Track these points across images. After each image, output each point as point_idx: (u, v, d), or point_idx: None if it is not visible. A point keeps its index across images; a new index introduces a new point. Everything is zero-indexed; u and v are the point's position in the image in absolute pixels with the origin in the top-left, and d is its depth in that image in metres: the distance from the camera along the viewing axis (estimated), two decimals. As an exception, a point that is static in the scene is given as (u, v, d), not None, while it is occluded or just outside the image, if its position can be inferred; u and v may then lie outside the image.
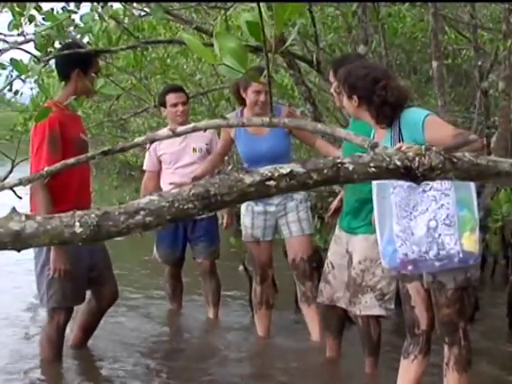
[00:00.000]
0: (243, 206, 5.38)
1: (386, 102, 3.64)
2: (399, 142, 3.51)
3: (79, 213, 1.46)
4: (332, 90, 4.45)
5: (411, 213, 3.45)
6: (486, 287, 6.86)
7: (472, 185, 3.46)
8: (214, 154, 5.52)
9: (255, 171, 1.55)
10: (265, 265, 5.33)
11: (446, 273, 3.55)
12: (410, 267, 3.52)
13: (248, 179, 1.53)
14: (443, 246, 3.42)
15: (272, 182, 1.55)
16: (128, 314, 6.19)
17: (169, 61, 8.01)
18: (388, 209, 3.51)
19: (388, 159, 1.61)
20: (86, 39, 5.76)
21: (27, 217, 1.44)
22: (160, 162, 5.96)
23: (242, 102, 5.14)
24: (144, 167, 6.16)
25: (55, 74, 5.06)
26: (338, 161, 1.59)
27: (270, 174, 1.55)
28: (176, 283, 6.27)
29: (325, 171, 1.57)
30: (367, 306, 4.37)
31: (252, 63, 6.87)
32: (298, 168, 1.56)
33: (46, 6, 4.87)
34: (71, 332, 5.06)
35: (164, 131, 2.01)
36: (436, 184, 3.39)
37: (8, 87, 6.33)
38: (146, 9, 4.76)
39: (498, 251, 6.48)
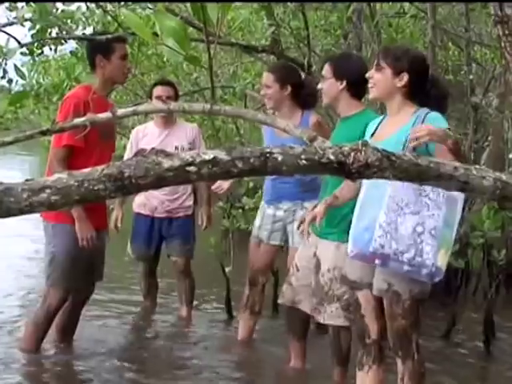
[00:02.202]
0: (260, 207, 5.29)
1: (435, 95, 3.57)
2: None
3: (-21, 186, 1.35)
4: (320, 86, 4.34)
5: (402, 209, 3.32)
6: (468, 304, 6.74)
7: (459, 205, 3.36)
8: None
9: (176, 155, 1.45)
10: (258, 270, 5.17)
11: (403, 283, 3.44)
12: (377, 261, 3.37)
13: (167, 163, 1.43)
14: (421, 253, 3.30)
15: (193, 168, 1.44)
16: (98, 311, 6.02)
17: (165, 58, 7.92)
18: (377, 197, 3.36)
19: (321, 152, 1.50)
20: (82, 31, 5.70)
21: None
22: None
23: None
24: (124, 159, 6.02)
25: (52, 63, 5.05)
26: (267, 150, 1.49)
27: (191, 160, 1.45)
28: (150, 281, 6.13)
29: (251, 160, 1.47)
30: (332, 315, 4.25)
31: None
32: (222, 155, 1.46)
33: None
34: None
35: (104, 114, 1.91)
36: (432, 194, 3.29)
37: (1, 75, 6.28)
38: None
39: (480, 267, 6.37)
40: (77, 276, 4.65)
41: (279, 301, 4.69)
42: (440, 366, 4.95)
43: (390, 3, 7.43)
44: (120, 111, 1.83)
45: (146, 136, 5.66)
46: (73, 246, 4.56)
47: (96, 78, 4.40)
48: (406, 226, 3.31)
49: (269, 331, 5.55)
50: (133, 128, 10.78)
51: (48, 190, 1.37)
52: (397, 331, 3.52)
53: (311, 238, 4.38)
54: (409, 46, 5.50)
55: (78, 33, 5.52)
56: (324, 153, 1.50)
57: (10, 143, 2.01)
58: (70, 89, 6.21)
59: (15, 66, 4.09)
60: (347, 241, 4.03)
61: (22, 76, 3.90)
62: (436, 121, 3.41)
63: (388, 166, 1.53)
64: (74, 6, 4.26)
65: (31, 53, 6.18)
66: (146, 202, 5.76)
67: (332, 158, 1.51)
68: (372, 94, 3.64)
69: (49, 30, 5.36)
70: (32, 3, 4.38)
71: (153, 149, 1.40)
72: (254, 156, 1.47)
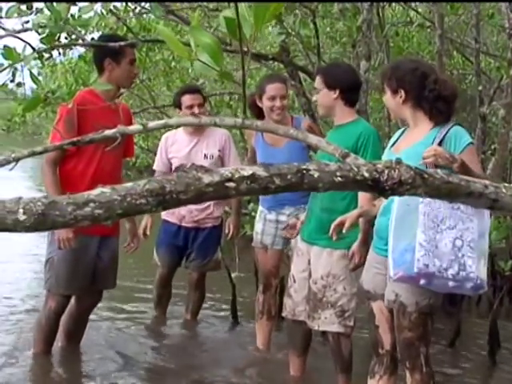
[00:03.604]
0: (258, 213, 5.30)
1: (440, 97, 3.53)
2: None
3: (25, 199, 1.38)
4: (314, 98, 4.42)
5: (438, 225, 3.30)
6: (471, 314, 6.78)
7: (487, 214, 3.36)
8: (248, 161, 5.38)
9: (215, 171, 1.48)
10: (270, 273, 5.20)
11: (410, 295, 3.46)
12: (422, 281, 3.33)
13: (207, 179, 1.46)
14: (464, 267, 3.27)
15: (232, 184, 1.47)
16: (110, 316, 6.08)
17: (173, 63, 7.95)
18: (411, 217, 3.33)
19: (356, 169, 1.54)
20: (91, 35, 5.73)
21: (-31, 199, 1.37)
22: (171, 164, 5.73)
23: (260, 114, 4.88)
24: (154, 167, 5.94)
25: (59, 67, 5.07)
26: (303, 167, 1.52)
27: (230, 175, 1.48)
28: (164, 291, 6.06)
29: (288, 177, 1.50)
30: (326, 321, 4.27)
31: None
32: (260, 171, 1.49)
33: None
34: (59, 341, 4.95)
35: (135, 126, 1.94)
36: (463, 207, 3.28)
37: (10, 78, 6.30)
38: (147, 6, 4.69)
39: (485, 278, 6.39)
40: (75, 282, 4.64)
41: (282, 314, 4.69)
42: (445, 375, 5.00)
43: (398, 13, 7.50)
44: (151, 124, 1.85)
45: (175, 143, 5.62)
46: (70, 252, 4.53)
47: (108, 85, 4.40)
48: (445, 242, 3.29)
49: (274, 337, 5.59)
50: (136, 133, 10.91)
51: (92, 204, 1.40)
52: (404, 343, 3.54)
53: (303, 246, 4.42)
54: (413, 57, 5.57)
55: (87, 36, 5.57)
56: (358, 170, 1.54)
57: (41, 153, 2.05)
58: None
59: (31, 73, 4.10)
60: (339, 247, 4.14)
61: (37, 82, 3.91)
62: (459, 136, 3.46)
63: (421, 184, 1.56)
64: (88, 13, 4.26)
65: (40, 57, 6.20)
66: (174, 209, 5.74)
67: (366, 175, 1.54)
68: (392, 114, 3.83)
69: (57, 35, 5.40)
70: (46, 10, 4.40)
71: (193, 164, 1.44)
72: (291, 173, 1.50)
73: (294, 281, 4.50)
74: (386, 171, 1.55)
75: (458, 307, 5.89)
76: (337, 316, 4.25)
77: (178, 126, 1.61)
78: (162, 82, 8.54)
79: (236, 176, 1.47)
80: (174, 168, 5.71)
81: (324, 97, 4.22)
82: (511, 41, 4.87)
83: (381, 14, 6.21)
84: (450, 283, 3.30)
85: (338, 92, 4.20)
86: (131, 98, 9.72)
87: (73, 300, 4.86)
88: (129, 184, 1.45)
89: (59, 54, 6.77)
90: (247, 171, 1.48)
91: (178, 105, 5.66)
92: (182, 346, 5.53)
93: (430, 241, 3.28)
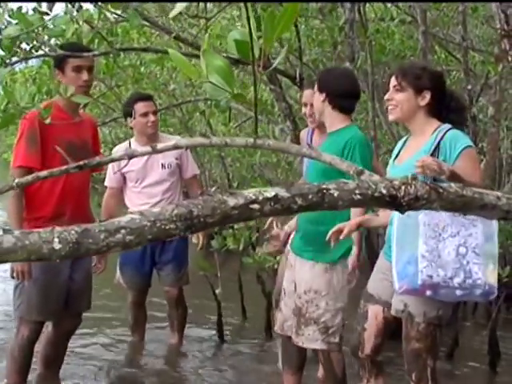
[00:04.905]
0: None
1: (452, 108, 3.75)
2: (434, 154, 3.56)
3: (58, 229, 1.53)
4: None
5: (440, 234, 3.43)
6: (468, 323, 6.98)
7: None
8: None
9: (239, 193, 1.64)
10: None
11: (419, 306, 3.61)
12: (428, 292, 3.46)
13: (232, 201, 1.62)
14: (470, 274, 3.40)
15: (256, 206, 1.63)
16: (87, 342, 6.17)
17: (142, 69, 8.08)
18: (412, 228, 3.47)
19: (374, 187, 1.71)
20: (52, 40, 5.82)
21: (5, 231, 1.50)
22: (124, 178, 5.80)
23: None
24: (106, 183, 6.01)
25: (19, 76, 5.11)
26: (324, 186, 1.68)
27: (254, 197, 1.64)
28: (139, 313, 6.12)
29: (309, 196, 1.67)
30: (309, 338, 4.37)
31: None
32: (282, 192, 1.65)
33: (14, 5, 4.94)
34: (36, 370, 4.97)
35: (145, 148, 2.07)
36: None
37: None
38: (121, 13, 4.81)
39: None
40: (47, 307, 4.66)
41: (274, 328, 4.80)
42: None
43: (378, 10, 7.70)
44: (160, 145, 2.00)
45: None
46: (41, 276, 4.55)
47: (86, 98, 4.51)
48: (448, 250, 3.42)
49: (261, 355, 5.74)
50: (103, 143, 11.00)
51: (123, 231, 1.55)
52: (411, 354, 3.68)
53: (291, 258, 4.56)
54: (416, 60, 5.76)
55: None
56: (376, 187, 1.71)
57: (45, 178, 2.18)
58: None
59: (2, 86, 4.23)
60: (322, 261, 4.29)
61: (11, 96, 4.03)
62: (454, 141, 3.59)
63: (436, 198, 1.74)
64: (62, 23, 4.39)
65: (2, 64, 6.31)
66: None
67: (384, 191, 1.71)
68: (394, 115, 3.77)
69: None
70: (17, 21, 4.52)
71: (218, 188, 1.59)
72: (311, 192, 1.67)
73: (285, 294, 4.61)
74: (403, 187, 1.72)
75: (455, 316, 6.07)
76: (320, 333, 4.33)
77: (187, 147, 1.71)
78: (130, 89, 8.65)
79: (260, 198, 1.64)
80: (128, 182, 5.77)
81: (316, 100, 4.39)
82: (504, 41, 5.07)
83: (362, 12, 6.39)
84: (458, 292, 3.43)
85: (324, 95, 4.36)
86: (96, 107, 9.83)
87: (50, 324, 4.91)
88: (156, 209, 1.60)
89: (20, 61, 6.87)
90: (270, 193, 1.65)
91: (129, 113, 5.70)
92: (167, 367, 5.66)
93: (433, 251, 3.41)
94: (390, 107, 3.79)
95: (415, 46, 8.25)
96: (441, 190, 1.75)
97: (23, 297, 4.64)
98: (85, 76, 4.56)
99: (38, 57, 5.29)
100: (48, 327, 4.90)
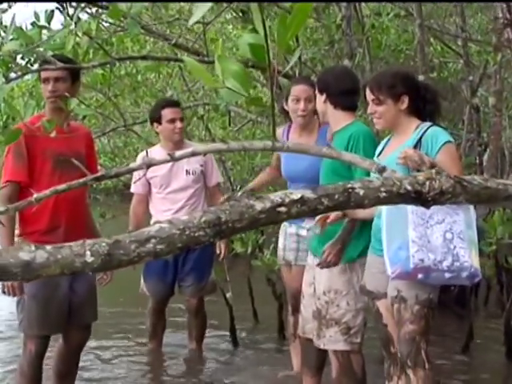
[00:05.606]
0: (281, 227, 5.31)
1: (427, 98, 3.93)
2: (416, 149, 3.71)
3: (89, 242, 1.54)
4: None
5: (427, 221, 3.63)
6: (480, 315, 6.99)
7: (472, 207, 3.66)
8: (270, 167, 5.50)
9: (265, 197, 1.65)
10: (297, 292, 4.96)
11: (411, 289, 3.73)
12: (420, 275, 3.62)
13: (259, 205, 1.63)
14: (458, 257, 3.59)
15: (283, 208, 1.65)
16: (104, 353, 6.17)
17: (139, 77, 8.09)
18: (401, 215, 3.63)
19: (398, 183, 1.72)
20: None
21: (37, 246, 1.52)
22: (150, 185, 5.80)
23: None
24: (132, 190, 5.99)
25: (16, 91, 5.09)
26: (349, 186, 1.70)
27: (280, 200, 1.65)
28: (158, 320, 6.11)
29: (336, 196, 1.68)
30: (331, 340, 4.36)
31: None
32: (308, 194, 1.67)
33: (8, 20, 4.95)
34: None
35: (161, 155, 2.09)
36: None
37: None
38: (120, 22, 4.82)
39: (491, 276, 6.61)
40: (48, 321, 4.62)
41: (298, 331, 4.79)
42: (463, 382, 5.19)
43: (373, 6, 7.71)
44: (178, 153, 2.00)
45: None
46: (40, 290, 4.50)
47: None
48: (436, 235, 3.61)
49: (277, 358, 5.75)
50: (101, 153, 11.03)
51: (153, 240, 1.57)
52: (405, 338, 3.75)
53: (310, 260, 4.59)
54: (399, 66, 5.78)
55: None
56: (401, 184, 1.72)
57: (63, 191, 2.20)
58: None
59: (7, 103, 4.24)
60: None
61: (16, 112, 4.05)
62: (435, 137, 3.78)
63: (461, 192, 1.75)
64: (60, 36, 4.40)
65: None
66: None
67: (409, 188, 1.72)
68: (380, 125, 3.99)
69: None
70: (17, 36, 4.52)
71: (244, 192, 1.60)
72: (337, 192, 1.68)
73: (303, 296, 4.63)
74: (428, 182, 1.73)
75: (468, 308, 6.09)
76: (342, 333, 4.34)
77: (205, 153, 1.72)
78: (127, 98, 8.67)
79: (286, 200, 1.65)
80: (153, 188, 5.79)
81: (318, 101, 4.43)
82: (507, 30, 5.10)
83: (358, 8, 6.41)
84: (446, 274, 3.61)
85: (325, 96, 4.38)
86: (93, 117, 9.83)
87: (60, 339, 4.92)
88: (184, 217, 1.62)
89: (21, 76, 6.89)
90: (296, 195, 1.66)
91: (156, 119, 5.70)
92: (186, 376, 5.66)
93: (422, 236, 3.61)
94: (374, 119, 3.99)
95: (410, 39, 8.29)
96: (465, 183, 1.76)
97: (24, 312, 4.60)
98: (51, 87, 4.55)
99: (37, 71, 5.29)
100: (58, 342, 4.91)
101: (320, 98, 4.39)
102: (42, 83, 4.60)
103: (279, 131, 5.18)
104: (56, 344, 4.86)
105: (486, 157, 6.77)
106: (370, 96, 3.94)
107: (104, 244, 1.55)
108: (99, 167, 6.64)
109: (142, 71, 8.23)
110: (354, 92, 4.44)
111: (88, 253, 1.53)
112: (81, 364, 5.04)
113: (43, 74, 4.59)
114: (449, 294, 6.22)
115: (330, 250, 4.26)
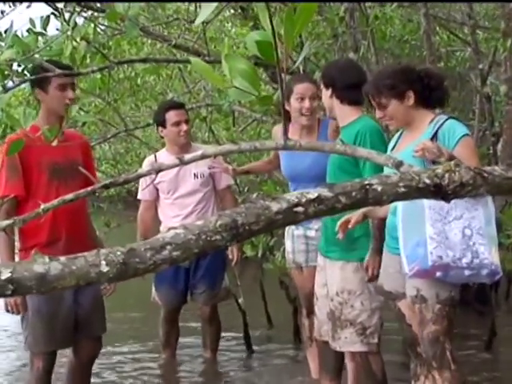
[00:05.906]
0: (285, 230, 5.28)
1: (432, 86, 3.90)
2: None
3: (104, 251, 1.55)
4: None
5: (445, 217, 3.59)
6: (502, 310, 6.97)
7: (490, 201, 3.63)
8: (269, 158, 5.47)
9: (281, 197, 1.66)
10: (310, 294, 4.92)
11: (431, 288, 3.71)
12: (438, 273, 3.59)
13: (275, 206, 1.64)
14: (477, 254, 3.55)
15: (300, 208, 1.65)
16: (117, 365, 6.17)
17: (139, 80, 8.10)
18: (417, 211, 3.60)
19: (417, 178, 1.72)
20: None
21: (51, 258, 1.53)
22: (157, 190, 5.78)
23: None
24: (139, 196, 5.98)
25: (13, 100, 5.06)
26: (366, 182, 1.70)
27: (297, 200, 1.66)
28: (171, 329, 6.11)
29: (353, 194, 1.68)
30: (347, 341, 4.37)
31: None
32: (325, 192, 1.67)
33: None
34: None
35: (168, 160, 2.09)
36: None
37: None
38: (117, 25, 4.84)
39: (511, 270, 6.59)
40: (54, 337, 4.60)
41: (314, 334, 4.81)
42: (485, 379, 5.18)
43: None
44: (187, 156, 2.01)
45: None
46: (43, 305, 4.51)
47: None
48: (454, 232, 3.57)
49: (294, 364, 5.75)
50: (103, 160, 11.05)
51: (169, 247, 1.57)
52: (428, 338, 3.74)
53: (321, 260, 4.59)
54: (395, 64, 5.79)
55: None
56: (420, 178, 1.72)
57: (72, 200, 2.20)
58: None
59: (7, 113, 4.25)
60: (351, 260, 4.34)
61: (16, 122, 4.06)
62: (452, 130, 3.75)
63: (482, 183, 1.75)
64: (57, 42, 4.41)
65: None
66: None
67: (428, 181, 1.73)
68: (394, 125, 4.01)
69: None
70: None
71: (259, 194, 1.61)
72: (355, 189, 1.69)
73: (317, 298, 4.64)
74: (447, 175, 1.73)
75: (490, 305, 6.08)
76: (358, 334, 4.34)
77: (215, 156, 1.73)
78: (127, 102, 8.68)
79: (303, 200, 1.66)
80: (160, 193, 5.77)
81: (324, 96, 4.45)
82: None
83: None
84: (466, 272, 3.58)
85: (331, 90, 4.39)
86: (92, 124, 9.85)
87: (71, 353, 4.92)
88: (199, 222, 1.62)
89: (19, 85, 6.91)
90: (313, 194, 1.67)
91: (161, 122, 5.68)
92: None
93: (440, 233, 3.57)
94: (386, 122, 3.99)
95: (415, 29, 8.30)
96: (486, 175, 1.76)
97: (28, 329, 4.60)
98: (71, 93, 4.54)
99: (35, 78, 5.30)
100: (69, 355, 4.91)
101: (326, 93, 4.40)
102: (50, 91, 4.50)
103: (277, 129, 5.19)
104: (67, 359, 4.87)
105: (499, 146, 6.76)
106: (373, 102, 3.95)
107: (119, 253, 1.55)
108: (100, 174, 6.61)
109: (140, 74, 8.24)
110: (359, 85, 4.40)
111: (103, 262, 1.54)
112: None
113: (59, 81, 4.51)
114: (468, 291, 6.20)
115: (373, 265, 4.20)
